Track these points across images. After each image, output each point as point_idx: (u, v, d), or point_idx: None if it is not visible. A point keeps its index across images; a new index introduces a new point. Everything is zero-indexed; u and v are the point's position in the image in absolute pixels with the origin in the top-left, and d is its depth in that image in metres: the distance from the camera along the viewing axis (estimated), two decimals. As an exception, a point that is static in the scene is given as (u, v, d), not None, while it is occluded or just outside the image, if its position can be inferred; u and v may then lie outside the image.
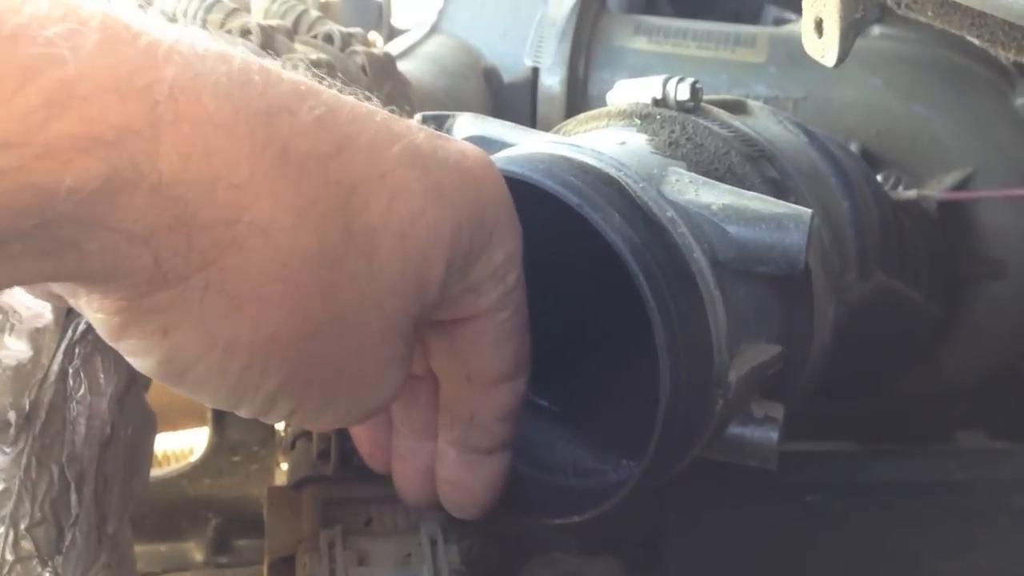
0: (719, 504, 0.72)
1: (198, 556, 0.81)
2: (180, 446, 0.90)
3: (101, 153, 0.36)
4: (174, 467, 0.79)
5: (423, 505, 0.58)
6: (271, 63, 0.43)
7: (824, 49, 0.55)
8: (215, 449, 0.75)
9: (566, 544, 0.75)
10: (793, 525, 0.73)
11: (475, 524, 0.76)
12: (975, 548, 0.73)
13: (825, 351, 0.62)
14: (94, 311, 0.41)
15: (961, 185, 0.96)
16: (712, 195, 0.54)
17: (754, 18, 1.22)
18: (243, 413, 0.46)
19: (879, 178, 0.95)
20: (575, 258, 0.59)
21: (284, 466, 0.80)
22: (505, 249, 0.50)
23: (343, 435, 0.71)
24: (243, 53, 0.42)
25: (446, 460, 0.55)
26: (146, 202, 0.37)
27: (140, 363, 0.43)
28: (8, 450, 0.45)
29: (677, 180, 0.55)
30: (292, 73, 0.44)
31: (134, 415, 0.52)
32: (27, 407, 0.45)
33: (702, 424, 0.54)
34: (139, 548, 0.66)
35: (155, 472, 0.78)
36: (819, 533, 0.73)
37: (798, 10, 0.61)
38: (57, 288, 0.42)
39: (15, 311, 0.46)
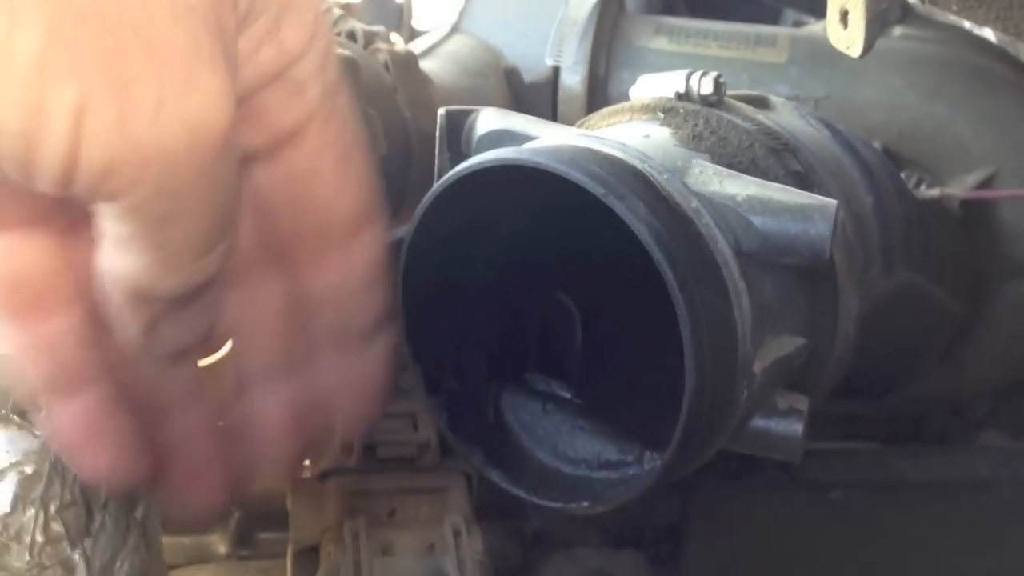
0: (742, 499, 0.72)
1: (221, 548, 0.81)
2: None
3: None
4: (198, 460, 0.79)
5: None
6: None
7: (850, 40, 0.56)
8: (238, 443, 0.75)
9: (589, 539, 0.76)
10: (815, 521, 0.73)
11: (497, 520, 0.76)
12: (999, 546, 0.73)
13: (849, 345, 0.62)
14: None
15: (983, 184, 0.95)
16: (736, 186, 0.54)
17: (772, 23, 1.22)
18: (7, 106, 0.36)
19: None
20: (600, 250, 0.59)
21: (307, 460, 0.81)
22: (308, 24, 0.44)
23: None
24: None
25: (324, 369, 0.50)
26: None
27: None
28: (39, 433, 0.45)
29: (701, 172, 0.55)
30: None
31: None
32: (58, 391, 0.46)
33: (726, 415, 0.54)
34: (163, 540, 0.66)
35: (179, 465, 0.78)
36: (841, 530, 0.73)
37: (818, 15, 0.61)
38: None
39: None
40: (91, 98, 0.36)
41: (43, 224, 0.45)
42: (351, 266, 0.49)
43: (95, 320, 0.45)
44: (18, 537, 0.45)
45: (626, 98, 0.68)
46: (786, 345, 0.56)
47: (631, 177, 0.53)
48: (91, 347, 0.46)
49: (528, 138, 0.61)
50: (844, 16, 0.56)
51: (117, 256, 0.41)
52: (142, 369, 0.46)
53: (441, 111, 0.64)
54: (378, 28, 0.90)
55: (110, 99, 0.36)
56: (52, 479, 0.46)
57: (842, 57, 0.63)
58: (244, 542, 0.81)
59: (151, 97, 0.37)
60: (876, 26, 0.55)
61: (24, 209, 0.44)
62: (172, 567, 0.80)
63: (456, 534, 0.61)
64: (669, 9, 1.28)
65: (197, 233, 0.41)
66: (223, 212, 0.42)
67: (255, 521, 0.80)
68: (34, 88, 0.35)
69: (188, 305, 0.43)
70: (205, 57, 0.39)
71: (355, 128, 0.48)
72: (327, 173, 0.47)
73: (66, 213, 0.45)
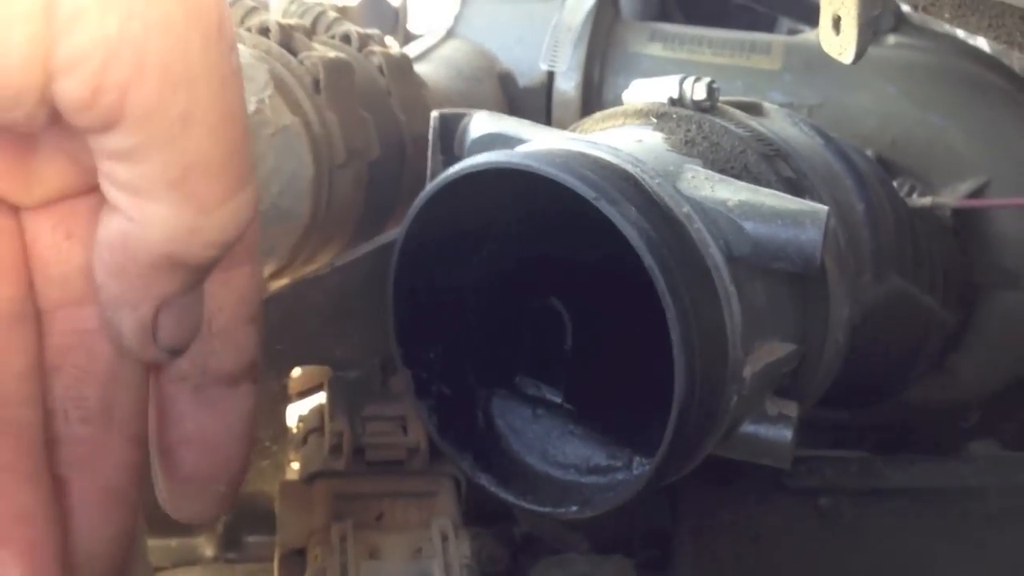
0: (731, 505, 0.72)
1: (208, 551, 0.81)
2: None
3: None
4: (186, 462, 0.79)
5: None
6: None
7: (842, 47, 0.56)
8: (227, 445, 0.75)
9: (577, 545, 0.75)
10: (804, 528, 0.73)
11: (486, 524, 0.76)
12: (987, 554, 0.73)
13: (839, 351, 0.62)
14: None
15: (975, 194, 0.96)
16: (728, 191, 0.54)
17: (767, 31, 1.23)
18: None
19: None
20: (590, 254, 0.59)
21: (295, 464, 0.80)
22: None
23: (356, 430, 0.71)
24: None
25: (177, 411, 0.43)
26: None
27: None
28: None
29: (693, 177, 0.55)
30: None
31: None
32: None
33: (716, 420, 0.54)
34: (149, 542, 0.66)
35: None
36: (830, 537, 0.73)
37: (812, 23, 0.61)
38: None
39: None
40: None
41: None
42: (221, 301, 0.43)
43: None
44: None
45: (620, 104, 0.68)
46: (776, 351, 0.56)
47: (623, 181, 0.53)
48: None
49: (521, 141, 0.61)
50: (836, 22, 0.56)
51: (137, 208, 0.37)
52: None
53: (434, 114, 0.64)
54: (373, 31, 0.90)
55: None
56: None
57: (836, 65, 0.63)
58: (231, 545, 0.81)
59: None
60: (868, 32, 0.55)
61: None
62: (158, 569, 0.80)
63: (444, 538, 0.61)
64: (664, 15, 1.28)
65: (220, 142, 0.37)
66: (239, 119, 0.37)
67: (242, 524, 0.80)
68: None
69: (196, 285, 0.40)
70: None
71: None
72: None
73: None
